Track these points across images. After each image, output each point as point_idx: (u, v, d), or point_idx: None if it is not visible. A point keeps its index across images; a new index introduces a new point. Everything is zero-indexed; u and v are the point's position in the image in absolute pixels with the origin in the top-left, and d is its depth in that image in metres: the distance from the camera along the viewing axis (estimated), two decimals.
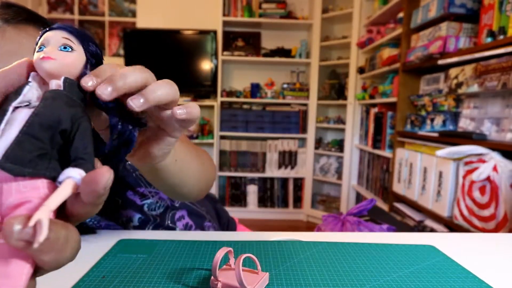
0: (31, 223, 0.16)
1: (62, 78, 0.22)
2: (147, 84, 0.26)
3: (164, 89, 0.26)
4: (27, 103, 0.21)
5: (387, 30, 2.20)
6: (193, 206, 0.71)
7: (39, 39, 0.23)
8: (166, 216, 0.66)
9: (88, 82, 0.22)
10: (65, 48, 0.23)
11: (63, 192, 0.18)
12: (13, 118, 0.20)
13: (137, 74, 0.25)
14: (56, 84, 0.22)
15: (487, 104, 1.30)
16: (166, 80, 0.27)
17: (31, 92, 0.21)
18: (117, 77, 0.23)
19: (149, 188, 0.63)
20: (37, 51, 0.22)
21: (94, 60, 0.24)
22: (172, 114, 0.27)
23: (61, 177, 0.19)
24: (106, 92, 0.22)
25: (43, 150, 0.19)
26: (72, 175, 0.19)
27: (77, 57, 0.23)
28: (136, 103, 0.24)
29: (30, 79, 0.22)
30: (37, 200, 0.18)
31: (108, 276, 0.41)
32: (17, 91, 0.21)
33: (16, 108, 0.20)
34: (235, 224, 0.87)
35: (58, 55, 0.22)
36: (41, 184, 0.19)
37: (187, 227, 0.69)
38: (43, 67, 0.22)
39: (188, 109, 0.27)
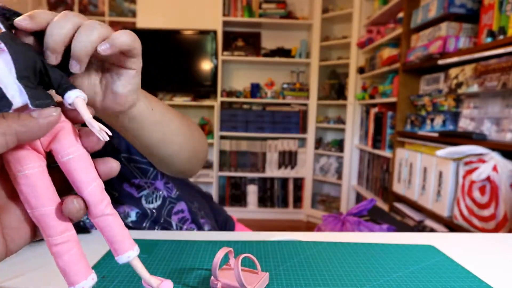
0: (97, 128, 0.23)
1: None
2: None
3: (86, 41, 0.26)
4: None
5: (387, 30, 2.20)
6: (189, 202, 0.71)
7: None
8: (163, 210, 0.66)
9: (22, 22, 0.24)
10: None
11: (85, 107, 0.24)
12: None
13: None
14: None
15: (487, 104, 1.30)
16: (85, 24, 0.27)
17: None
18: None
19: (144, 179, 0.63)
20: None
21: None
22: (100, 51, 0.27)
23: (69, 100, 0.24)
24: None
25: (39, 86, 0.23)
26: (78, 95, 0.24)
27: None
28: (74, 69, 0.26)
29: None
30: (67, 124, 0.24)
31: (108, 276, 0.41)
32: None
33: None
34: (234, 223, 0.87)
35: None
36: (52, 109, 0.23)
37: (182, 221, 0.69)
38: None
39: (115, 43, 0.28)
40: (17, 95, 0.21)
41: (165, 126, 0.43)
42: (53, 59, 0.25)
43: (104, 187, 0.25)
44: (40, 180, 0.22)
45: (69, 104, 0.24)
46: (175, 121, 0.45)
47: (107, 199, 0.25)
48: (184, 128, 0.49)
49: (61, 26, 0.25)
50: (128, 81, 0.32)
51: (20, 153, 0.22)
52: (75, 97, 0.24)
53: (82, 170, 0.23)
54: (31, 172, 0.22)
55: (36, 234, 0.25)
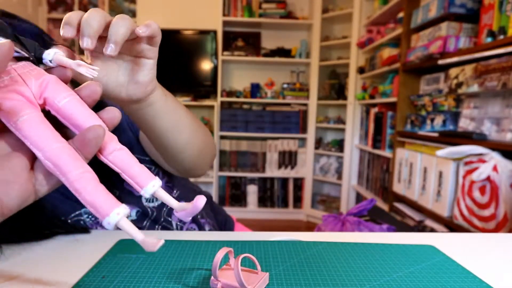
0: (85, 67, 0.26)
1: None
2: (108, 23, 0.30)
3: (123, 27, 0.30)
4: None
5: (387, 30, 2.20)
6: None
7: None
8: (163, 209, 0.66)
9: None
10: None
11: (66, 58, 0.26)
12: None
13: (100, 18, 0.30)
14: None
15: (487, 104, 1.30)
16: (119, 16, 0.30)
17: None
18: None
19: None
20: None
21: None
22: (136, 34, 0.30)
23: (49, 57, 0.26)
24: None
25: None
26: (56, 51, 0.26)
27: None
28: (110, 51, 0.29)
29: None
30: (54, 77, 0.25)
31: (108, 276, 0.41)
32: None
33: None
34: (233, 223, 0.87)
35: None
36: (35, 66, 0.25)
37: (182, 220, 0.69)
38: None
39: (148, 26, 0.31)
40: None
41: (177, 114, 0.45)
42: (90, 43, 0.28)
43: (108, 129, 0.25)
44: (41, 122, 0.22)
45: (50, 61, 0.25)
46: (183, 110, 0.48)
47: (114, 137, 0.25)
48: (192, 120, 0.50)
49: (95, 17, 0.29)
50: (148, 70, 0.36)
51: (14, 103, 0.22)
52: (54, 54, 0.25)
53: (83, 111, 0.24)
54: (30, 116, 0.22)
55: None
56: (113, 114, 0.26)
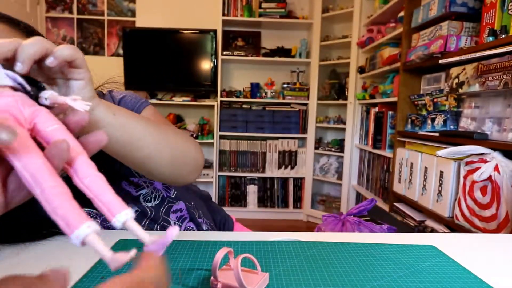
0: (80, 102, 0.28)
1: None
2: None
3: (67, 49, 0.33)
4: None
5: (388, 29, 2.20)
6: (187, 202, 0.71)
7: None
8: (161, 209, 0.66)
9: None
10: None
11: (60, 96, 0.28)
12: None
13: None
14: None
15: (488, 103, 1.29)
16: (34, 39, 0.31)
17: None
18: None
19: (144, 178, 0.63)
20: None
21: None
22: (48, 64, 0.32)
23: (45, 95, 0.28)
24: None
25: None
26: (52, 92, 0.29)
27: None
28: (50, 61, 0.31)
29: None
30: (45, 109, 0.27)
31: (107, 277, 0.41)
32: None
33: None
34: (233, 223, 0.87)
35: None
36: (32, 101, 0.27)
37: (180, 219, 0.69)
38: None
39: (57, 58, 0.32)
40: (6, 77, 0.26)
41: (131, 128, 0.45)
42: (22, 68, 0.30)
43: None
44: (27, 138, 0.24)
45: (45, 99, 0.28)
46: (141, 123, 0.48)
47: (93, 164, 0.26)
48: (155, 131, 0.49)
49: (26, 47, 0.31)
50: (80, 90, 0.37)
51: (3, 117, 0.24)
52: (50, 93, 0.28)
53: (67, 138, 0.25)
54: (19, 130, 0.23)
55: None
56: (100, 137, 0.27)
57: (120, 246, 0.50)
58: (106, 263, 0.22)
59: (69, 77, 0.36)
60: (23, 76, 0.28)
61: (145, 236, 0.25)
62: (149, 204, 0.65)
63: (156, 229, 0.66)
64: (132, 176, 0.62)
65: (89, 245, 0.21)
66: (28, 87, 0.27)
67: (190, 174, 0.57)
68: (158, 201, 0.66)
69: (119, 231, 0.60)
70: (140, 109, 0.62)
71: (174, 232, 0.24)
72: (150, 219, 0.65)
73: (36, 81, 0.29)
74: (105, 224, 0.61)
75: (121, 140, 0.45)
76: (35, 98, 0.28)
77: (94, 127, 0.41)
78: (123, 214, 0.24)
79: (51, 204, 0.22)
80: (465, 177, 1.27)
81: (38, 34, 0.54)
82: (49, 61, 0.32)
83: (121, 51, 2.86)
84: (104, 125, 0.42)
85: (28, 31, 0.53)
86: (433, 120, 1.55)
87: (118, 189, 0.62)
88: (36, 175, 0.23)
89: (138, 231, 0.24)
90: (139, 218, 0.64)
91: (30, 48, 0.30)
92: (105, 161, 0.59)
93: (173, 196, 0.69)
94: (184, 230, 0.69)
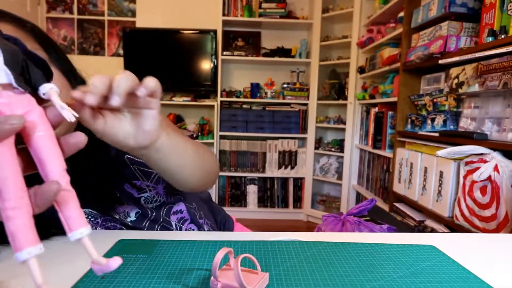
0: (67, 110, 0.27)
1: None
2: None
3: (153, 82, 0.35)
4: None
5: (388, 29, 2.20)
6: (187, 203, 0.71)
7: None
8: (162, 209, 0.66)
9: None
10: None
11: (56, 96, 0.28)
12: None
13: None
14: None
15: (488, 103, 1.29)
16: (123, 72, 0.34)
17: None
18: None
19: (147, 182, 0.63)
20: None
21: None
22: (137, 94, 0.35)
23: (44, 90, 0.27)
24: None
25: (21, 77, 0.27)
26: (51, 87, 0.28)
27: None
28: (114, 102, 0.33)
29: None
30: (40, 109, 0.27)
31: (107, 276, 0.41)
32: None
33: None
34: (233, 223, 0.87)
35: None
36: (30, 97, 0.27)
37: (180, 221, 0.69)
38: None
39: (147, 87, 0.35)
40: (3, 75, 0.25)
41: (180, 150, 0.48)
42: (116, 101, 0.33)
43: (66, 167, 0.27)
44: (10, 145, 0.24)
45: (43, 94, 0.28)
46: (188, 146, 0.51)
47: (67, 178, 0.26)
48: (195, 149, 0.53)
49: (102, 81, 0.33)
50: (153, 119, 0.39)
51: None
52: (49, 88, 0.28)
53: (49, 147, 0.26)
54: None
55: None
56: (78, 138, 0.28)
57: (120, 246, 0.50)
58: None
59: (146, 106, 0.38)
60: (27, 71, 0.28)
61: (95, 255, 0.26)
62: (150, 206, 0.65)
63: (157, 229, 0.66)
64: (135, 179, 0.62)
65: (27, 268, 0.23)
66: (22, 89, 0.27)
67: (211, 184, 0.63)
68: (159, 203, 0.66)
69: (119, 231, 0.60)
70: None
71: (116, 263, 0.26)
72: (151, 220, 0.65)
73: (38, 70, 0.29)
74: (106, 225, 0.61)
75: (173, 163, 0.47)
76: (33, 89, 0.28)
77: (156, 153, 0.43)
78: (78, 233, 0.26)
79: (7, 220, 0.23)
80: (465, 177, 1.27)
81: (45, 35, 0.54)
82: (141, 92, 0.35)
83: (121, 51, 2.86)
84: (164, 151, 0.44)
85: (34, 32, 0.52)
86: (433, 120, 1.55)
87: (120, 190, 0.62)
88: (3, 187, 0.23)
89: (90, 249, 0.26)
90: (139, 219, 0.64)
91: (125, 83, 0.33)
92: (109, 163, 0.59)
93: (174, 200, 0.69)
94: (185, 231, 0.69)
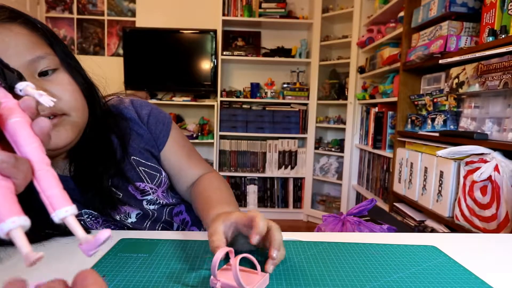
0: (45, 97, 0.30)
1: None
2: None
3: (263, 224, 0.44)
4: None
5: (388, 29, 2.20)
6: (188, 204, 0.71)
7: None
8: (164, 210, 0.66)
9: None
10: None
11: (32, 90, 0.30)
12: None
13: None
14: None
15: (488, 103, 1.29)
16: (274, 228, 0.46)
17: None
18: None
19: (150, 184, 0.63)
20: None
21: None
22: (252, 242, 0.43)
23: (20, 87, 0.30)
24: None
25: None
26: (28, 84, 0.30)
27: None
28: (257, 238, 0.42)
29: None
30: (14, 100, 0.28)
31: (108, 275, 0.41)
32: None
33: None
34: None
35: None
36: (5, 91, 0.28)
37: (183, 223, 0.70)
38: None
39: (260, 234, 0.43)
40: None
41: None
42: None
43: (45, 151, 0.27)
44: None
45: (20, 90, 0.29)
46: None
47: (47, 159, 0.26)
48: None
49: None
50: (279, 246, 0.45)
51: None
52: (26, 85, 0.30)
53: (26, 131, 0.26)
54: None
55: None
56: (43, 124, 0.28)
57: (122, 245, 0.50)
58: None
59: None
60: (2, 73, 0.29)
61: (81, 234, 0.25)
62: (151, 207, 0.65)
63: (158, 229, 0.66)
64: (140, 181, 0.62)
65: (12, 239, 0.22)
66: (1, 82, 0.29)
67: None
68: (160, 204, 0.66)
69: (120, 231, 0.60)
70: (169, 127, 0.66)
71: (105, 234, 0.25)
72: (152, 220, 0.65)
73: (12, 72, 0.30)
74: (107, 224, 0.61)
75: None
76: (10, 88, 0.30)
77: None
78: (62, 211, 0.25)
79: None
80: (465, 177, 1.27)
81: (57, 37, 0.53)
82: (256, 239, 0.42)
83: (121, 51, 2.86)
84: None
85: (46, 37, 0.51)
86: (433, 120, 1.55)
87: (124, 192, 0.61)
88: None
89: (76, 229, 0.25)
90: (140, 220, 0.64)
91: (265, 227, 0.44)
92: (114, 165, 0.59)
93: (175, 202, 0.69)
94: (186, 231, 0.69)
